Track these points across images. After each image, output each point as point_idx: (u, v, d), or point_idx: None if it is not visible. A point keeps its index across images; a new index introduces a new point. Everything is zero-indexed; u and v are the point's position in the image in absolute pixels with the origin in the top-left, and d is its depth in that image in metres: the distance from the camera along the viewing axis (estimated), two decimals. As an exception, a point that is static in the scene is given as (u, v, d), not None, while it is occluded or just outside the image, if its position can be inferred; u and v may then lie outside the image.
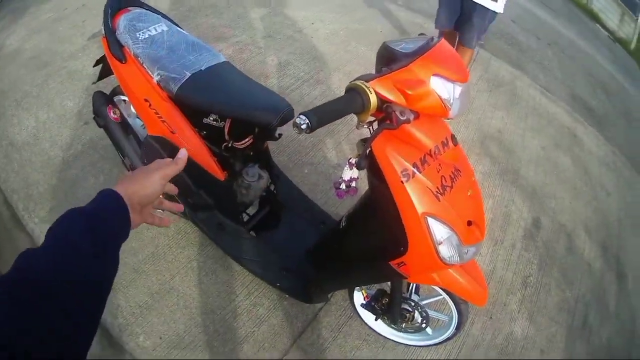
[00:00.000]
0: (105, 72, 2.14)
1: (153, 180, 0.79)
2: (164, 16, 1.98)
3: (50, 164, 2.58)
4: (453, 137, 1.43)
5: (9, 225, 2.34)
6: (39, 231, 2.26)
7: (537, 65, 5.58)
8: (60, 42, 3.55)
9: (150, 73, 1.74)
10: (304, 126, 1.04)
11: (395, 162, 1.29)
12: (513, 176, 3.54)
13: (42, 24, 3.76)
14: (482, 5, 3.18)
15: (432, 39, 1.32)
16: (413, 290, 1.91)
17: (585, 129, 4.78)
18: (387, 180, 1.32)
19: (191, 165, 1.77)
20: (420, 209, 1.30)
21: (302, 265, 1.94)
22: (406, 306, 1.88)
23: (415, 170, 1.29)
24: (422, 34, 1.48)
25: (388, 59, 1.28)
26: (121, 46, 1.81)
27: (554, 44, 6.62)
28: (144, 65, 1.75)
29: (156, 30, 1.82)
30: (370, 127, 1.28)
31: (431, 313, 1.95)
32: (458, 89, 1.25)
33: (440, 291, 1.79)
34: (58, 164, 2.58)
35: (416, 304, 1.88)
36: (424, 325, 1.95)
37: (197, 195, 1.95)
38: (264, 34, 3.83)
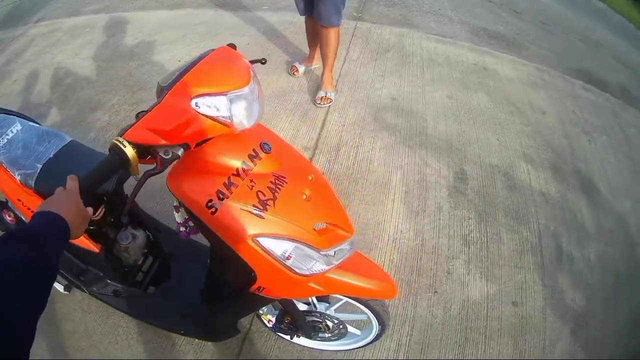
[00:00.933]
0: None
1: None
2: (19, 115, 2.06)
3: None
4: (263, 145, 1.31)
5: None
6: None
7: (427, 15, 5.45)
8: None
9: (13, 174, 1.81)
10: None
11: (197, 196, 1.20)
12: (419, 138, 3.44)
13: None
14: None
15: (210, 51, 1.24)
16: (315, 301, 1.83)
17: (496, 58, 4.69)
18: (199, 217, 1.23)
19: (72, 247, 1.93)
20: (244, 233, 1.21)
21: (197, 307, 1.93)
22: (313, 318, 1.81)
23: (221, 198, 1.19)
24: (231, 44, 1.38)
25: (159, 96, 1.18)
26: None
27: None
28: (7, 169, 1.81)
29: (12, 132, 1.89)
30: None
31: (346, 316, 1.87)
32: (230, 99, 1.15)
33: (339, 296, 1.71)
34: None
35: (322, 314, 1.80)
36: (344, 330, 1.87)
37: (86, 271, 2.06)
38: (136, 89, 3.75)
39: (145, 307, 2.06)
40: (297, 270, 1.29)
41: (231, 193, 1.20)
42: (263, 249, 1.23)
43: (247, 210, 1.21)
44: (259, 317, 2.07)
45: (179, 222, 1.41)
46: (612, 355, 2.35)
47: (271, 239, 1.23)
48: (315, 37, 3.67)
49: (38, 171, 1.74)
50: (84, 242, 1.86)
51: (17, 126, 1.91)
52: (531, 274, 2.61)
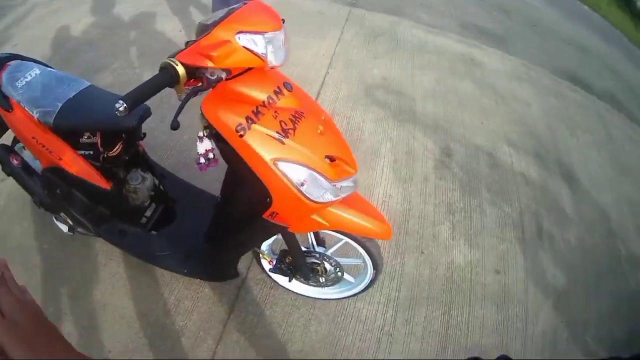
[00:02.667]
0: (2, 128, 2.26)
1: None
2: (37, 61, 2.12)
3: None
4: (286, 84, 1.47)
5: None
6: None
7: (418, 7, 5.63)
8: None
9: (31, 113, 1.89)
10: (121, 108, 1.12)
11: (229, 120, 1.32)
12: (408, 115, 3.60)
13: None
14: None
15: (243, 2, 1.39)
16: (314, 243, 1.96)
17: (484, 51, 4.88)
18: (228, 139, 1.35)
19: (81, 183, 2.00)
20: (266, 156, 1.34)
21: (202, 248, 2.05)
22: (312, 259, 1.93)
23: (249, 123, 1.32)
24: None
25: (201, 33, 1.33)
26: (7, 98, 1.95)
27: None
28: (25, 108, 1.90)
29: (31, 76, 1.97)
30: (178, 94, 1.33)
31: (342, 260, 1.98)
32: (267, 38, 1.31)
33: (340, 236, 1.82)
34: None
35: (321, 254, 1.92)
36: (340, 274, 1.99)
37: (94, 209, 2.12)
38: (139, 54, 3.81)
39: (150, 247, 2.13)
40: (309, 196, 1.42)
41: (258, 120, 1.33)
42: (281, 172, 1.36)
43: (270, 136, 1.34)
44: (257, 261, 2.16)
45: (200, 152, 1.49)
46: (597, 339, 2.50)
47: (289, 164, 1.36)
48: None
49: (58, 109, 1.84)
50: (95, 177, 1.97)
51: (35, 70, 2.00)
52: (513, 246, 2.78)
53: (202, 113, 1.39)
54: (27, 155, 2.32)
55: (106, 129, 1.91)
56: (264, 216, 1.52)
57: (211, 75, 1.24)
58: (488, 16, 5.98)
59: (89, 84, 2.02)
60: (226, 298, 2.23)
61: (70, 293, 2.23)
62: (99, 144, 1.95)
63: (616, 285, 2.81)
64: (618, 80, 5.51)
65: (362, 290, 2.10)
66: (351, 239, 1.82)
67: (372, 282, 2.02)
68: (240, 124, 1.31)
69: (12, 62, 2.05)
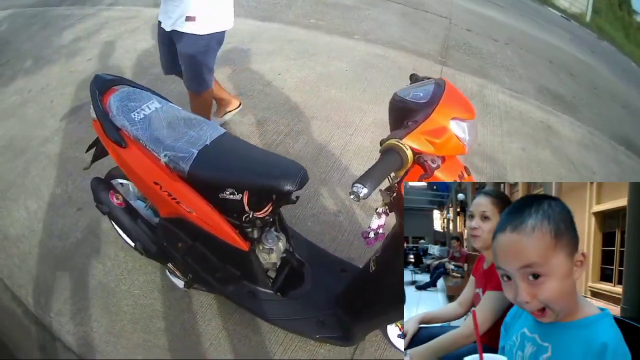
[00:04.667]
0: (97, 156, 2.12)
1: None
2: (152, 91, 1.97)
3: (52, 256, 2.49)
4: (466, 169, 1.50)
5: (24, 322, 2.24)
6: (57, 325, 2.18)
7: (500, 69, 5.81)
8: (31, 127, 3.45)
9: (156, 154, 1.72)
10: (362, 193, 1.11)
11: None
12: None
13: (9, 109, 3.66)
14: (179, 32, 2.55)
15: (437, 81, 1.42)
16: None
17: (558, 118, 5.00)
18: None
19: (213, 241, 1.81)
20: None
21: (335, 314, 1.97)
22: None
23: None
24: (413, 75, 1.60)
25: (402, 110, 1.37)
26: (118, 129, 1.78)
27: (510, 42, 6.92)
28: (147, 147, 1.73)
29: (150, 109, 1.80)
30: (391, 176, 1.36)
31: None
32: (470, 126, 1.35)
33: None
34: (60, 255, 2.49)
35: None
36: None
37: (223, 269, 1.97)
38: (236, 93, 3.83)
39: (282, 310, 2.01)
40: None
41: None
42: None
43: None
44: (382, 328, 2.14)
45: (373, 227, 1.49)
46: None
47: None
48: None
49: (194, 156, 1.67)
50: (232, 237, 1.80)
51: (154, 103, 1.83)
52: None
53: (388, 190, 1.42)
54: (126, 193, 2.19)
55: (260, 189, 1.74)
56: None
57: (433, 163, 1.26)
58: (558, 79, 6.16)
59: (224, 130, 1.86)
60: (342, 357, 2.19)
61: (169, 346, 2.13)
62: (245, 203, 1.76)
63: None
64: None
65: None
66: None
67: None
68: None
69: (121, 88, 1.88)
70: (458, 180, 1.43)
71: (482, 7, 8.51)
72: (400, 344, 2.15)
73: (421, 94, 1.37)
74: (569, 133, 4.76)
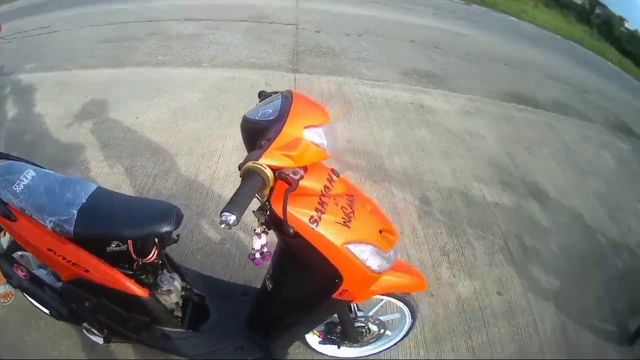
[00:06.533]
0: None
1: None
2: (25, 160, 1.97)
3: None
4: (333, 171, 1.63)
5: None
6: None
7: (356, 62, 5.98)
8: None
9: (42, 222, 1.73)
10: (231, 221, 1.15)
11: (301, 214, 1.44)
12: (381, 174, 3.86)
13: None
14: None
15: (284, 95, 1.52)
16: (355, 309, 2.10)
17: (430, 95, 5.28)
18: (302, 232, 1.47)
19: (115, 294, 1.85)
20: (338, 242, 1.48)
21: (249, 337, 2.05)
22: (358, 324, 2.06)
23: (319, 214, 1.46)
24: (262, 92, 1.69)
25: (254, 130, 1.45)
26: (5, 204, 1.77)
27: (364, 33, 7.05)
28: (33, 216, 1.74)
29: (27, 178, 1.80)
30: (259, 196, 1.43)
31: (384, 317, 2.14)
32: (326, 130, 1.46)
33: (380, 297, 2.00)
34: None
35: (366, 317, 2.07)
36: (382, 331, 2.15)
37: (132, 319, 1.99)
38: (101, 145, 3.77)
39: (201, 345, 2.05)
40: (373, 268, 1.58)
41: (325, 210, 1.47)
42: (351, 253, 1.51)
43: (338, 222, 1.49)
44: (301, 339, 2.22)
45: (256, 248, 1.56)
46: (601, 318, 2.87)
47: (356, 245, 1.52)
48: None
49: (75, 217, 1.71)
50: (131, 288, 1.85)
51: (30, 172, 1.83)
52: (506, 268, 3.10)
53: (260, 210, 1.50)
54: (27, 264, 2.17)
55: (140, 236, 1.79)
56: (334, 296, 1.64)
57: (295, 175, 1.34)
58: (423, 57, 6.44)
59: (96, 185, 1.90)
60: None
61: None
62: (131, 252, 1.82)
63: (605, 271, 3.26)
64: (562, 85, 6.08)
65: (400, 340, 2.26)
66: (392, 296, 2.00)
67: (409, 330, 2.19)
68: (312, 217, 1.44)
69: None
70: (328, 184, 1.57)
71: (329, 4, 8.61)
72: (323, 349, 2.27)
73: (270, 111, 1.45)
74: (444, 106, 5.07)
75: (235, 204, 1.18)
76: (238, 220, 1.16)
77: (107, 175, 3.42)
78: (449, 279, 2.95)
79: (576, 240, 3.48)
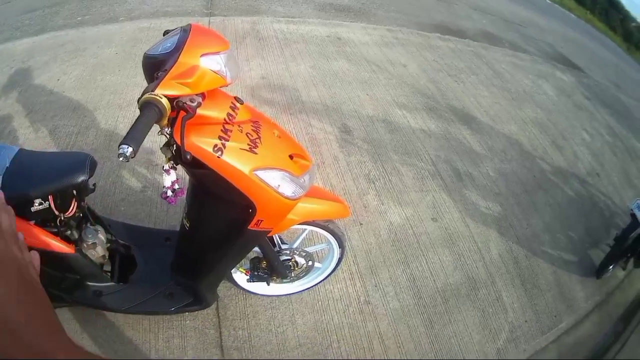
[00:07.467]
0: None
1: None
2: None
3: None
4: (237, 99, 1.55)
5: None
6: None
7: (271, 2, 5.80)
8: None
9: None
10: (128, 153, 1.12)
11: (204, 144, 1.36)
12: (298, 106, 3.77)
13: None
14: None
15: (183, 28, 1.44)
16: (280, 241, 2.05)
17: (348, 28, 5.19)
18: (207, 163, 1.39)
19: (45, 255, 1.74)
20: (245, 169, 1.40)
21: (178, 282, 2.03)
22: (284, 257, 2.01)
23: (223, 142, 1.38)
24: (167, 30, 1.57)
25: (155, 66, 1.38)
26: None
27: None
28: None
29: None
30: (165, 130, 1.37)
31: (310, 249, 2.10)
32: (224, 57, 1.40)
33: (303, 226, 1.94)
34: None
35: (291, 250, 2.02)
36: (310, 263, 2.10)
37: (64, 279, 1.97)
38: (26, 112, 3.56)
39: (130, 298, 2.04)
40: (286, 195, 1.52)
41: (229, 137, 1.39)
42: (261, 179, 1.44)
43: (243, 149, 1.40)
44: (230, 280, 2.19)
45: (167, 185, 1.54)
46: (555, 246, 2.92)
47: (266, 171, 1.45)
48: None
49: (0, 181, 1.70)
50: (57, 246, 1.84)
51: None
52: (438, 194, 3.11)
53: (167, 146, 1.42)
54: None
55: (59, 190, 1.78)
56: (250, 227, 1.58)
57: (192, 102, 1.30)
58: None
59: (18, 147, 1.88)
60: (210, 322, 2.22)
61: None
62: (53, 208, 1.80)
63: (552, 198, 3.30)
64: (491, 17, 6.07)
65: (332, 272, 2.23)
66: (314, 225, 1.94)
67: (339, 260, 2.15)
68: (216, 145, 1.36)
69: None
70: (231, 112, 1.48)
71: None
72: (253, 287, 2.24)
73: (168, 45, 1.38)
74: (363, 38, 4.99)
75: (132, 136, 1.15)
76: (135, 152, 1.13)
77: (34, 140, 3.28)
78: (377, 206, 2.92)
79: (515, 166, 3.52)
